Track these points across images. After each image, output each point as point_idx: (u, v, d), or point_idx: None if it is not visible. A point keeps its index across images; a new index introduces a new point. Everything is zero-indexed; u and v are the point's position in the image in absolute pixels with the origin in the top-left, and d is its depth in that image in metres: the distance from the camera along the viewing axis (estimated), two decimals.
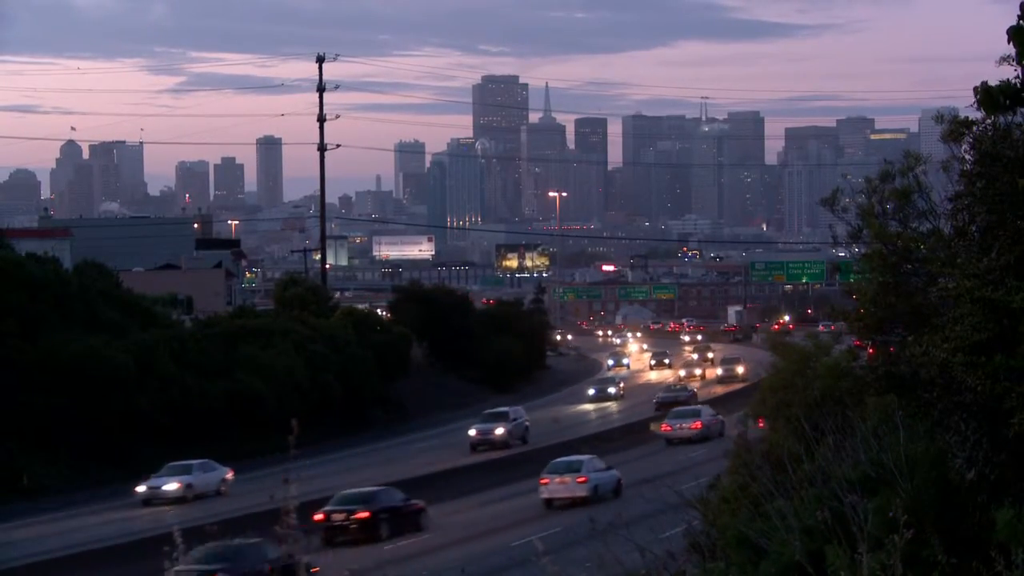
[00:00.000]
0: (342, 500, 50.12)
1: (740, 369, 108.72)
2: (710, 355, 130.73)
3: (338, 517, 48.90)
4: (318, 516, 48.08)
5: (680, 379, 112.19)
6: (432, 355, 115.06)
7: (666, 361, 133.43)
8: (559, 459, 56.98)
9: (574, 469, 55.11)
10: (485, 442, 75.42)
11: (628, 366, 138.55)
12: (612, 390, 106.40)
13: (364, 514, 49.17)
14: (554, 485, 54.49)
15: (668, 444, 72.89)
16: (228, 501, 59.11)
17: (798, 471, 17.93)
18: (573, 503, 52.86)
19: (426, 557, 44.41)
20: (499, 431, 76.20)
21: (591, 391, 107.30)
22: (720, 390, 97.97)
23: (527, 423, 79.85)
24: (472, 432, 76.56)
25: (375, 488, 52.74)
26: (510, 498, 58.03)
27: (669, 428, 74.49)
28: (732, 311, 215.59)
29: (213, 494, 62.61)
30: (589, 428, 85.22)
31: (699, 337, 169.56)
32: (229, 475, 64.56)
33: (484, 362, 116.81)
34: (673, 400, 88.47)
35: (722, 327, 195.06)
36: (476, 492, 59.64)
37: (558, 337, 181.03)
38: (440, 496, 56.24)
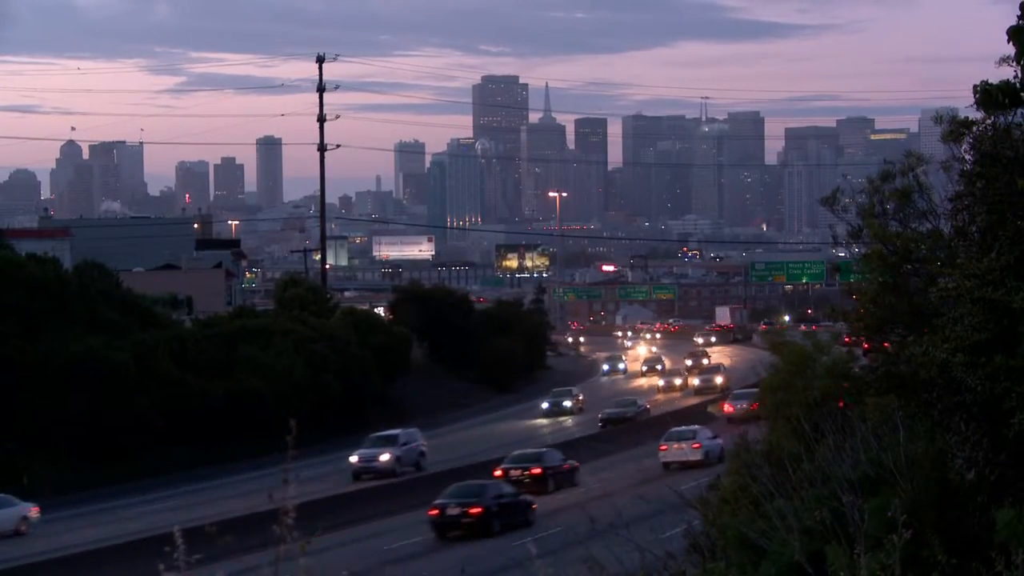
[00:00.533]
0: (517, 459, 58.91)
1: (719, 380, 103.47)
2: (706, 361, 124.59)
3: (515, 473, 56.82)
4: (497, 472, 56.64)
5: (660, 388, 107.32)
6: (432, 355, 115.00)
7: (659, 368, 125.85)
8: (675, 428, 66.22)
9: (688, 437, 64.04)
10: (368, 471, 65.24)
11: (624, 371, 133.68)
12: (568, 403, 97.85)
13: (537, 470, 57.60)
14: (672, 450, 63.14)
15: (729, 422, 72.00)
16: (26, 543, 51.70)
17: (798, 471, 17.94)
18: (687, 466, 60.16)
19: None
20: (384, 457, 65.97)
21: (544, 404, 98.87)
22: (693, 401, 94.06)
23: (423, 447, 69.75)
24: (353, 459, 66.40)
25: (542, 449, 62.23)
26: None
27: (732, 408, 76.58)
28: (719, 311, 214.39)
29: (11, 534, 54.05)
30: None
31: (712, 339, 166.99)
32: (32, 512, 56.11)
33: (484, 362, 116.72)
34: (619, 416, 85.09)
35: (705, 327, 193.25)
36: None
37: (570, 339, 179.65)
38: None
